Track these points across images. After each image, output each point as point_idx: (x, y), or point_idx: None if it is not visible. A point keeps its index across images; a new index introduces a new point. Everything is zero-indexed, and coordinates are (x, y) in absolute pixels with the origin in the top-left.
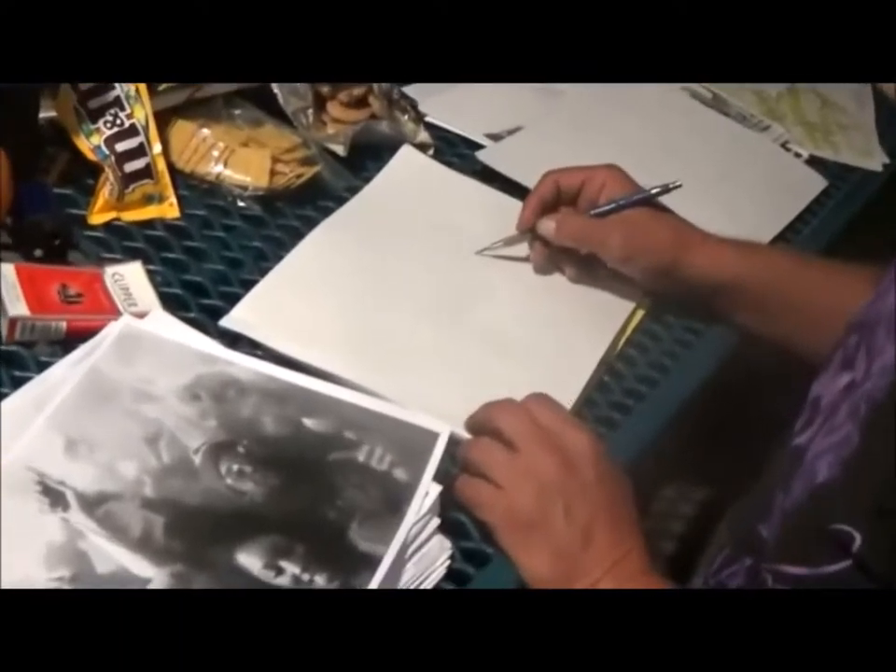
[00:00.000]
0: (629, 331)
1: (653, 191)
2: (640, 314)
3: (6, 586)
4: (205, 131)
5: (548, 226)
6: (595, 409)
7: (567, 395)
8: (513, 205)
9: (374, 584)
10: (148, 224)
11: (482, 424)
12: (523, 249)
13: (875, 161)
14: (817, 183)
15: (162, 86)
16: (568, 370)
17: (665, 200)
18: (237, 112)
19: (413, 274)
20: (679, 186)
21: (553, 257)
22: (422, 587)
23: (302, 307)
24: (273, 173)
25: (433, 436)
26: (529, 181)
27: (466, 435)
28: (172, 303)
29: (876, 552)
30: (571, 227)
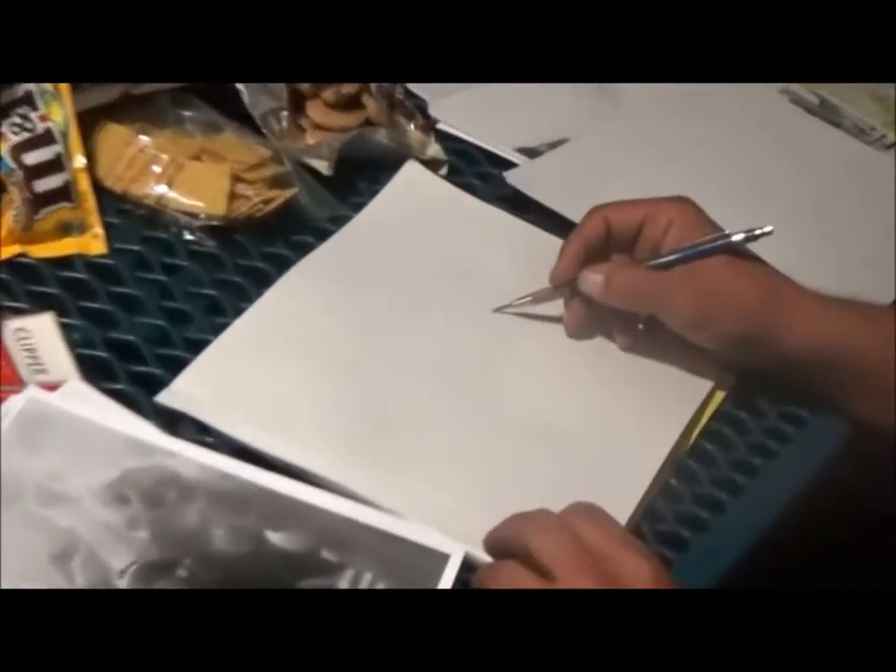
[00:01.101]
0: (705, 420)
1: (736, 237)
2: (720, 396)
3: None
4: (144, 138)
5: (594, 280)
6: (660, 524)
7: (622, 506)
8: (551, 244)
9: None
10: (65, 262)
11: (507, 543)
12: (558, 307)
13: None
14: None
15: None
16: (623, 472)
17: (754, 245)
18: (188, 114)
19: (418, 336)
20: (770, 233)
21: (599, 320)
22: None
23: (269, 378)
24: (233, 196)
25: (441, 558)
26: (574, 213)
27: (486, 558)
28: (93, 370)
29: None
30: (626, 281)
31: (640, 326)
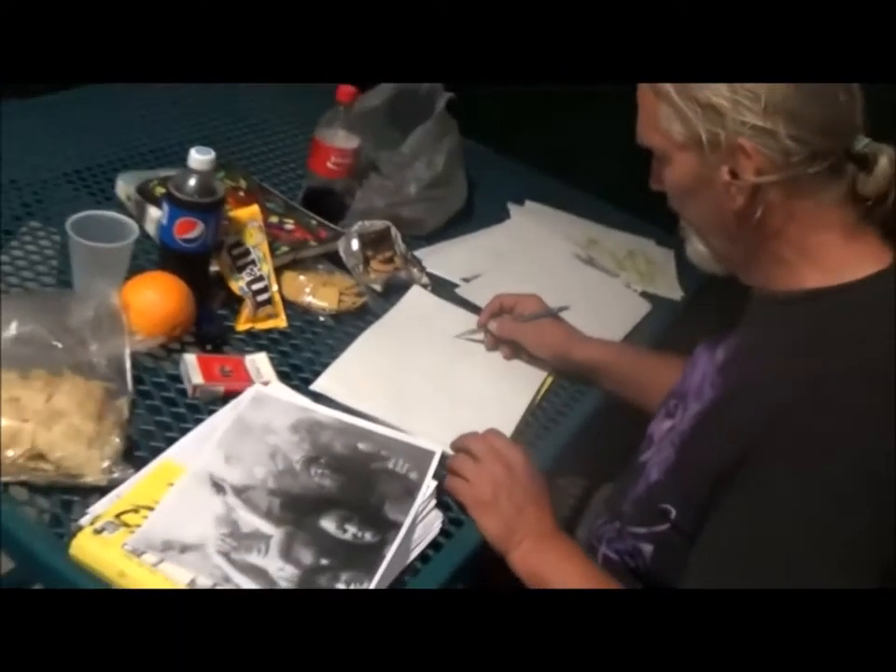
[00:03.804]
0: (544, 389)
1: (554, 310)
2: (550, 380)
3: (189, 541)
4: (302, 277)
5: (493, 326)
6: (524, 437)
7: (508, 428)
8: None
9: (398, 540)
10: (269, 330)
11: (459, 446)
12: (482, 339)
13: (677, 294)
14: (645, 306)
15: (279, 251)
16: (508, 413)
17: (564, 316)
18: (320, 266)
19: (421, 357)
20: (567, 308)
21: (499, 344)
22: (424, 541)
23: (358, 376)
24: (340, 300)
25: (432, 453)
26: (485, 302)
27: (450, 452)
28: (283, 377)
29: (684, 519)
30: (507, 328)
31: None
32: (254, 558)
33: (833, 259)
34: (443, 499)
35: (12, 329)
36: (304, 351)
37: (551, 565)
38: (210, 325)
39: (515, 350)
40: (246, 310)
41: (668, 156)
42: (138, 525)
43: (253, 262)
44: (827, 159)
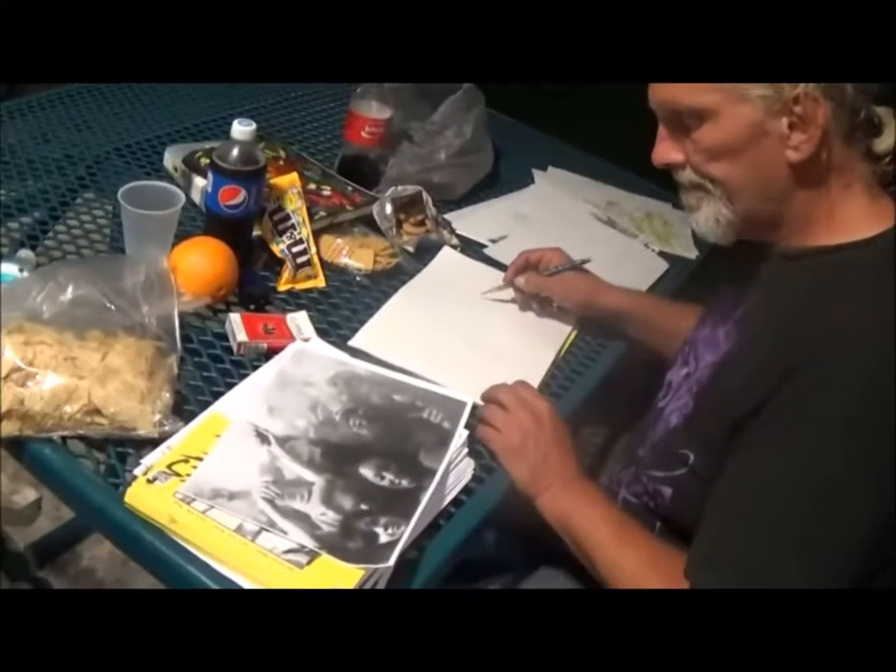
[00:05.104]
0: (568, 343)
1: (578, 262)
2: (574, 333)
3: (236, 488)
4: (339, 240)
5: (520, 281)
6: (549, 388)
7: (535, 380)
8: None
9: (433, 486)
10: (309, 290)
11: (489, 397)
12: (509, 295)
13: (692, 253)
14: (663, 265)
15: (316, 217)
16: (535, 366)
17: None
18: (356, 230)
19: (452, 313)
20: (590, 260)
21: (525, 298)
22: (457, 487)
23: (393, 332)
24: (375, 261)
25: (464, 404)
26: (510, 259)
27: (481, 403)
28: (322, 333)
29: (702, 464)
30: (533, 282)
31: (554, 304)
32: (297, 504)
33: (853, 216)
34: (475, 447)
35: (69, 292)
36: (342, 309)
37: (575, 508)
38: (253, 286)
39: (542, 304)
40: (287, 271)
41: (718, 112)
42: (188, 475)
43: (293, 226)
44: (861, 114)
